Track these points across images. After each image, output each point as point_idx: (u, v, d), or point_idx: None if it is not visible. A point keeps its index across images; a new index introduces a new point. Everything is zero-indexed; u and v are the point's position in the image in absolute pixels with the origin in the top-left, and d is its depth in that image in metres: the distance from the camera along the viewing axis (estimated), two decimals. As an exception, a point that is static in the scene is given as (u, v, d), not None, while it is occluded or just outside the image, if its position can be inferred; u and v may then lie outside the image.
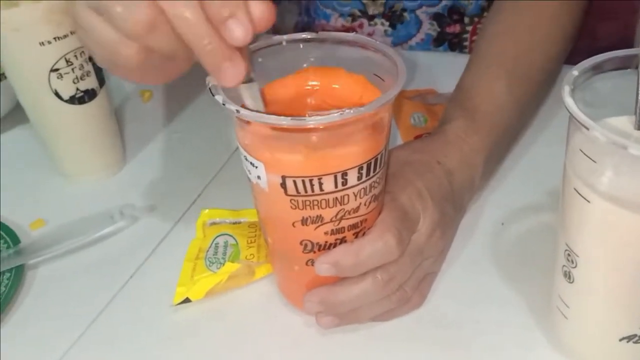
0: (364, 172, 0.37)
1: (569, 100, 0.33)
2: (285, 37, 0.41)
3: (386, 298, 0.41)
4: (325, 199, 0.37)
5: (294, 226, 0.39)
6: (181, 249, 0.49)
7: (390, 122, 0.39)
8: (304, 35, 0.41)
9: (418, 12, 0.73)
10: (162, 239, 0.51)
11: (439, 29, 0.74)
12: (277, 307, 0.45)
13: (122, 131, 0.63)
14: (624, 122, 0.37)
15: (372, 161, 0.38)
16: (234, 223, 0.50)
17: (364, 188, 0.38)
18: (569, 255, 0.37)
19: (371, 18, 0.75)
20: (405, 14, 0.74)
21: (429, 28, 0.75)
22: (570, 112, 0.32)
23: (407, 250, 0.41)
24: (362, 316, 0.42)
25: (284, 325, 0.44)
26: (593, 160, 0.33)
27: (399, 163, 0.45)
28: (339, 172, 0.36)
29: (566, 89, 0.34)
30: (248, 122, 0.36)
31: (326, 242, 0.39)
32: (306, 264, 0.41)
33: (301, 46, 0.41)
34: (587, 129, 0.31)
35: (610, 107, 0.37)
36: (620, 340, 0.37)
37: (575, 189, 0.35)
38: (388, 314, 0.43)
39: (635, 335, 0.36)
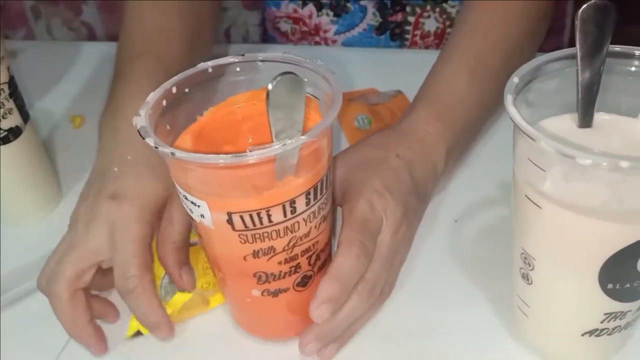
0: (311, 196, 0.36)
1: (512, 111, 0.32)
2: (210, 63, 0.39)
3: (372, 304, 0.42)
4: (275, 230, 0.36)
5: (245, 260, 0.37)
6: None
7: (332, 142, 0.38)
8: (230, 59, 0.39)
9: (362, 2, 0.73)
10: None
11: (381, 20, 0.74)
12: (234, 334, 0.44)
13: (55, 162, 0.60)
14: (567, 119, 0.37)
15: (319, 184, 0.36)
16: (191, 245, 0.48)
17: (313, 212, 0.37)
18: (525, 258, 0.37)
19: (320, 7, 0.75)
20: (349, 5, 0.74)
21: (371, 19, 0.74)
22: (515, 123, 0.32)
23: (379, 254, 0.41)
24: (356, 328, 0.43)
25: (244, 352, 0.43)
26: (542, 169, 0.32)
27: (355, 163, 0.44)
28: (286, 201, 0.35)
29: (509, 99, 0.33)
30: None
31: (280, 271, 0.38)
32: (262, 294, 0.39)
33: (238, 69, 0.40)
34: (534, 140, 0.30)
35: (553, 106, 0.37)
36: (583, 335, 0.37)
37: (526, 196, 0.34)
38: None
39: (597, 329, 0.37)
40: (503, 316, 0.43)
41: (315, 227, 0.38)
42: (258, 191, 0.34)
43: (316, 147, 0.35)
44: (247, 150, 0.32)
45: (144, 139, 0.33)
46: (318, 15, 0.76)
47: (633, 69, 0.35)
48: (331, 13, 0.75)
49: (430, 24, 0.75)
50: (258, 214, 0.35)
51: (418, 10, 0.73)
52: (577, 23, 0.34)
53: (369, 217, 0.41)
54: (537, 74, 0.36)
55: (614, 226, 0.31)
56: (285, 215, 0.35)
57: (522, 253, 0.37)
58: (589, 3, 0.34)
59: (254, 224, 0.35)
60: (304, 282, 0.40)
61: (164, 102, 0.37)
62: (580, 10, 0.34)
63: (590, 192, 0.31)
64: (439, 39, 0.76)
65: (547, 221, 0.34)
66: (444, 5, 0.73)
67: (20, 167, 0.52)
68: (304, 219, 0.36)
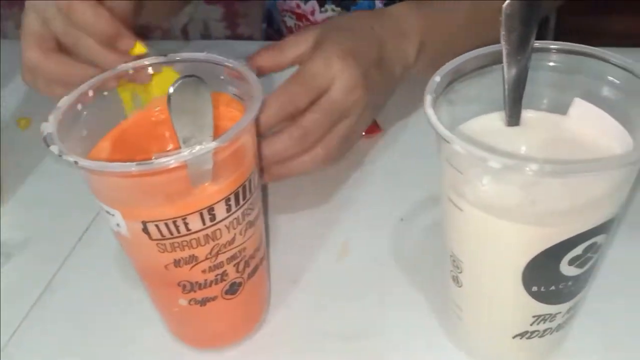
0: (232, 203, 0.35)
1: (429, 112, 0.31)
2: (130, 64, 0.38)
3: (307, 153, 0.45)
4: (195, 238, 0.35)
5: (167, 269, 0.36)
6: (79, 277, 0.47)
7: (255, 144, 0.37)
8: (152, 60, 0.38)
9: None
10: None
11: None
12: (169, 341, 0.43)
13: (-2, 165, 0.58)
14: (496, 118, 0.36)
15: (240, 190, 0.35)
16: None
17: (235, 218, 0.36)
18: (454, 261, 0.36)
19: (322, 3, 0.73)
20: None
21: None
22: (431, 125, 0.31)
23: (321, 105, 0.43)
24: (287, 172, 0.46)
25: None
26: (459, 172, 0.31)
27: (329, 28, 0.47)
28: (204, 208, 0.34)
29: (427, 99, 0.32)
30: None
31: (206, 279, 0.37)
32: (189, 303, 0.38)
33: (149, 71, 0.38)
34: (448, 142, 0.29)
35: (481, 104, 0.36)
36: (514, 337, 0.36)
37: (449, 198, 0.33)
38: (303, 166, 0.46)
39: (527, 332, 0.36)
40: (442, 319, 0.42)
41: (241, 234, 0.37)
42: (171, 199, 0.33)
43: (234, 151, 0.34)
44: (153, 158, 0.31)
45: (48, 146, 0.32)
46: (321, 12, 0.74)
47: (552, 64, 0.34)
48: (337, 9, 0.73)
49: None
50: (174, 223, 0.34)
51: None
52: (501, 19, 0.33)
53: (317, 74, 0.43)
54: (463, 72, 0.35)
55: (531, 229, 0.30)
56: (204, 223, 0.34)
57: (451, 255, 0.36)
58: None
59: (171, 233, 0.34)
60: (233, 289, 0.39)
61: (79, 107, 0.36)
62: (504, 5, 0.33)
63: (505, 195, 0.30)
64: None
65: (468, 224, 0.33)
66: None
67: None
68: (225, 226, 0.35)
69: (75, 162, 0.31)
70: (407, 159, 0.55)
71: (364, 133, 0.57)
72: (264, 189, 0.53)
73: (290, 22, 0.77)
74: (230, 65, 0.37)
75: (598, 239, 0.32)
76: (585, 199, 0.30)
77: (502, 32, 0.34)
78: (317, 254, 0.48)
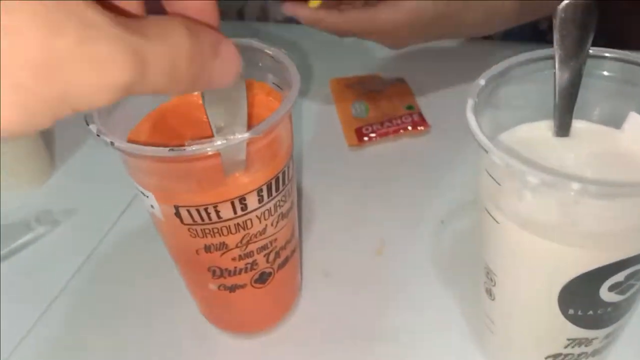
0: (264, 194, 0.35)
1: (470, 117, 0.30)
2: None
3: None
4: (225, 226, 0.35)
5: (197, 253, 0.36)
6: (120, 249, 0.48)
7: (291, 135, 0.36)
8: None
9: None
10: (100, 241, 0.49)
11: None
12: (201, 322, 0.43)
13: (52, 135, 0.60)
14: (544, 127, 0.34)
15: (273, 181, 0.35)
16: None
17: (267, 210, 0.35)
18: (487, 273, 0.35)
19: None
20: None
21: None
22: (472, 132, 0.29)
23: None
24: None
25: (207, 343, 0.42)
26: (497, 183, 0.30)
27: None
28: (236, 197, 0.34)
29: (469, 103, 0.30)
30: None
31: (235, 267, 0.37)
32: (218, 288, 0.38)
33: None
34: (486, 151, 0.28)
35: (528, 111, 0.34)
36: (546, 358, 0.35)
37: (485, 209, 0.32)
38: None
39: (560, 354, 0.34)
40: (474, 330, 0.41)
41: (272, 225, 0.36)
42: (203, 186, 0.33)
43: (269, 142, 0.34)
44: (186, 144, 0.30)
45: (88, 125, 0.32)
46: None
47: (607, 73, 0.32)
48: None
49: None
50: (205, 209, 0.34)
51: None
52: (556, 22, 0.31)
53: (387, 19, 0.48)
54: (510, 76, 0.33)
55: (570, 250, 0.29)
56: (235, 212, 0.34)
57: (485, 267, 0.35)
58: (568, 1, 0.31)
59: (202, 219, 0.34)
60: (263, 279, 0.39)
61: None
62: (559, 8, 0.31)
63: (545, 212, 0.29)
64: None
65: (504, 237, 0.31)
66: None
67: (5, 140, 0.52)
68: (257, 216, 0.35)
69: (112, 143, 0.31)
70: (454, 158, 0.53)
71: (410, 128, 0.56)
72: (300, 183, 0.53)
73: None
74: (271, 53, 0.36)
75: (643, 265, 0.30)
76: (633, 223, 0.28)
77: (556, 36, 0.32)
78: (351, 249, 0.47)
